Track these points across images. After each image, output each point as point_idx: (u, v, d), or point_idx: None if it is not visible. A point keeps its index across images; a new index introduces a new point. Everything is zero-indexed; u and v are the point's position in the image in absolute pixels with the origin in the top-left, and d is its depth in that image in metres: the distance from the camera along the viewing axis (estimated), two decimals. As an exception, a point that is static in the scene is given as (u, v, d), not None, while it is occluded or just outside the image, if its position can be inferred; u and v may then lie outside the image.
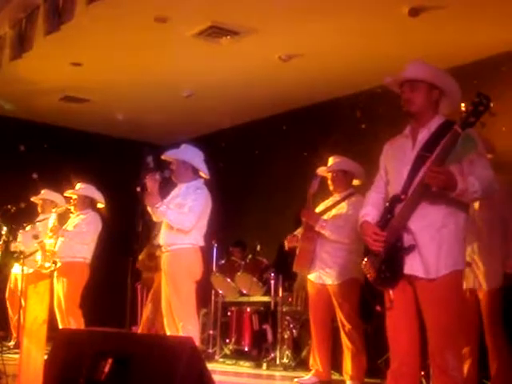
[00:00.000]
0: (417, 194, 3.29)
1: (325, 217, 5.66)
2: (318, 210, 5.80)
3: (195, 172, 5.50)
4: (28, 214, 7.99)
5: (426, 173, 3.21)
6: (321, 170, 5.85)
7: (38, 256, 7.29)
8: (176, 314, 5.26)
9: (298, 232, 5.89)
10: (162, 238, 5.46)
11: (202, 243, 5.41)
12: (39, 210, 8.03)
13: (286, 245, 5.95)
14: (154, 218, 5.60)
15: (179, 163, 5.48)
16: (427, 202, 3.30)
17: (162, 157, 5.57)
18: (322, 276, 5.60)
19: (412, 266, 3.30)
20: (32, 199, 8.01)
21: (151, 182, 5.40)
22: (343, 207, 5.65)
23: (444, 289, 3.27)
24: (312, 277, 5.69)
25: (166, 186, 5.66)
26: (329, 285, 5.54)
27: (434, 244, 3.28)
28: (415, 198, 3.29)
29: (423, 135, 3.45)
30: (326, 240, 5.56)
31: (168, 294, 5.36)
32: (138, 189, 5.54)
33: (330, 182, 5.77)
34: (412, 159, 3.41)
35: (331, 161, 5.79)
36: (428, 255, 3.27)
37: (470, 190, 3.20)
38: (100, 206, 7.19)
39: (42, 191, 8.01)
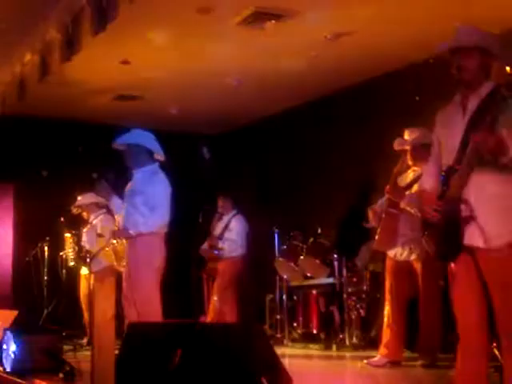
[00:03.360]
0: (470, 163, 3.20)
1: (407, 192, 5.50)
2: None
3: (150, 156, 5.43)
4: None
5: (474, 140, 3.13)
6: (397, 144, 5.68)
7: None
8: (137, 304, 5.26)
9: (379, 205, 5.79)
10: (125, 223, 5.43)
11: (165, 230, 5.40)
12: (85, 216, 8.10)
13: (370, 218, 5.86)
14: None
15: (132, 148, 5.41)
16: (482, 170, 3.21)
17: (114, 145, 5.50)
18: (404, 252, 5.52)
19: (471, 236, 3.22)
20: (74, 212, 8.07)
21: (102, 190, 5.53)
22: None
23: (505, 258, 3.18)
24: (392, 253, 5.62)
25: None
26: (414, 260, 5.46)
27: (493, 213, 3.20)
28: (469, 167, 3.21)
29: (473, 102, 3.35)
30: (410, 216, 5.34)
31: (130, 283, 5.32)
32: (95, 175, 5.58)
33: (409, 156, 5.58)
34: (463, 127, 3.33)
35: (408, 135, 5.60)
36: (487, 224, 3.19)
37: None
38: None
39: (79, 197, 8.04)
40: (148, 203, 5.26)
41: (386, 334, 5.59)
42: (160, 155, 5.48)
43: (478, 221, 3.21)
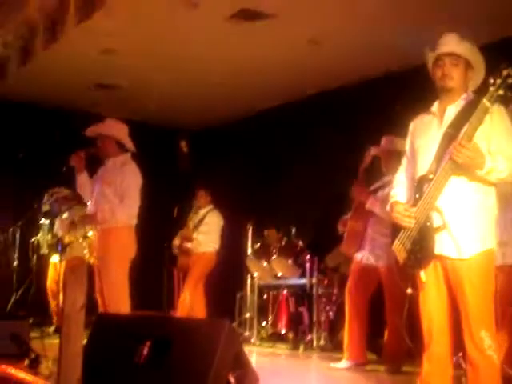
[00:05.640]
0: (445, 173, 3.23)
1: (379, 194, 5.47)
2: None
3: (121, 146, 5.48)
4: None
5: (453, 150, 3.16)
6: (374, 150, 5.67)
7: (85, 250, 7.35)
8: (105, 295, 5.23)
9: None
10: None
11: (135, 221, 5.40)
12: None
13: (340, 229, 5.86)
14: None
15: (103, 138, 5.46)
16: (456, 180, 3.24)
17: (86, 133, 5.53)
18: (371, 257, 5.48)
19: (443, 245, 3.26)
20: (44, 209, 7.99)
21: (76, 159, 5.45)
22: None
23: (475, 268, 3.23)
24: (359, 257, 5.59)
25: (93, 163, 5.66)
26: (381, 267, 5.38)
27: (465, 223, 3.24)
28: (443, 177, 3.23)
29: (451, 112, 3.39)
30: (378, 220, 5.37)
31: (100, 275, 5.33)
32: (64, 168, 5.56)
33: (382, 163, 5.59)
34: (439, 137, 3.35)
35: (383, 141, 5.60)
36: (458, 235, 3.23)
37: (498, 169, 3.16)
38: None
39: (46, 195, 7.91)
40: (117, 194, 5.27)
41: (346, 337, 5.61)
42: (129, 147, 5.51)
43: (450, 230, 3.24)
